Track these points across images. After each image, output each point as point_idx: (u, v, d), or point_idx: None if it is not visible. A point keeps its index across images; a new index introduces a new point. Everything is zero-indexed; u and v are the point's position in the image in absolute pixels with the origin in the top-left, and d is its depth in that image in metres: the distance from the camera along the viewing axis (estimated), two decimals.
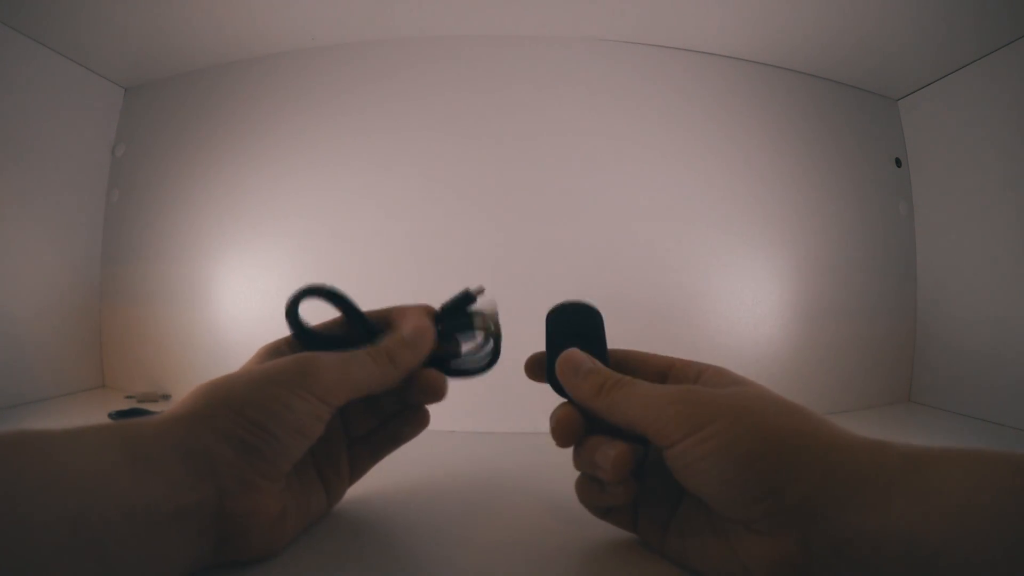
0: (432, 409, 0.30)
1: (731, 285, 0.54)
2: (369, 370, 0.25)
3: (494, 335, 0.28)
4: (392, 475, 0.31)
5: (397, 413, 0.30)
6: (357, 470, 0.29)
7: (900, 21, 0.50)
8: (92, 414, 0.50)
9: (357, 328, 0.28)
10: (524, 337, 0.30)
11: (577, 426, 0.25)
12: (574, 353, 0.25)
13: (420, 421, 0.30)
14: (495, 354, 0.28)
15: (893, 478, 0.18)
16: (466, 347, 0.29)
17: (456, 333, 0.28)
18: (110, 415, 0.47)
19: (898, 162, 0.62)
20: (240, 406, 0.21)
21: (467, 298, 0.28)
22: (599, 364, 0.25)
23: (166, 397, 0.56)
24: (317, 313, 0.28)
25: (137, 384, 0.59)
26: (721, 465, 0.20)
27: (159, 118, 0.62)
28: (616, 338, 0.29)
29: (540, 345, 0.28)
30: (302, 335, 0.27)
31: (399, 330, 0.26)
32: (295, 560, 0.23)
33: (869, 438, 0.20)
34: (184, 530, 0.20)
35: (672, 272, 0.53)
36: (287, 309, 0.27)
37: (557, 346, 0.26)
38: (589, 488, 0.25)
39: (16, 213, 0.52)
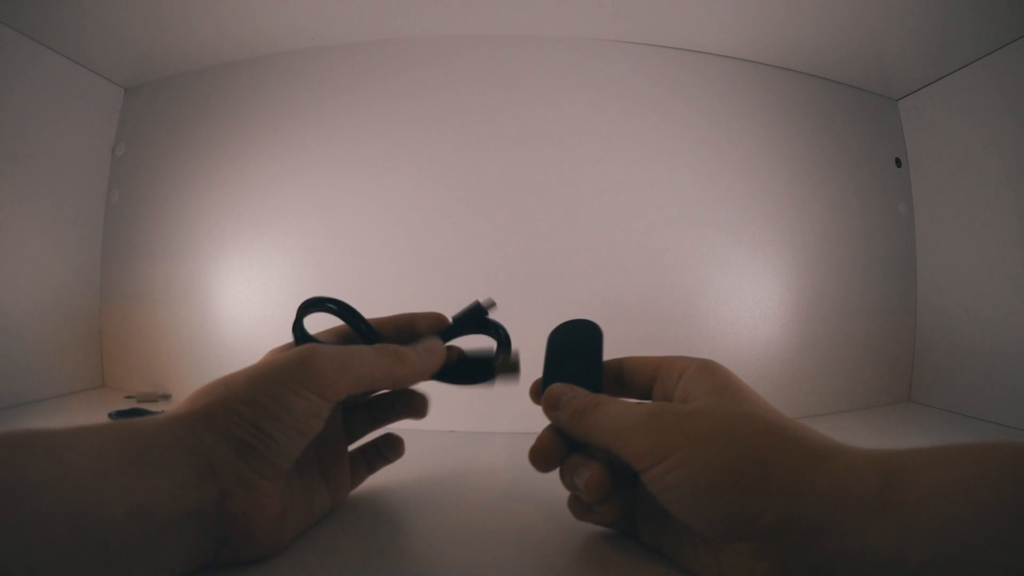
0: (433, 408, 0.30)
1: (731, 285, 0.54)
2: (372, 363, 0.24)
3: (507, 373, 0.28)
4: (392, 475, 0.32)
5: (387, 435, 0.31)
6: (358, 474, 0.30)
7: (900, 21, 0.50)
8: (92, 414, 0.50)
9: (365, 338, 0.28)
10: (524, 337, 0.30)
11: (555, 451, 0.25)
12: (555, 387, 0.25)
13: (400, 447, 0.31)
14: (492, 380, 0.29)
15: (870, 496, 0.17)
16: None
17: (473, 366, 0.28)
18: (110, 415, 0.47)
19: (898, 162, 0.62)
20: (237, 406, 0.21)
21: (478, 310, 0.28)
22: (578, 390, 0.25)
23: (166, 397, 0.56)
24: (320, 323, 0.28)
25: (137, 384, 0.59)
26: (692, 493, 0.19)
27: (159, 118, 0.62)
28: (617, 339, 0.29)
29: (539, 343, 0.29)
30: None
31: (412, 344, 0.27)
32: (295, 560, 0.23)
33: (845, 449, 0.19)
34: (185, 529, 0.20)
35: (672, 272, 0.53)
36: (294, 324, 0.27)
37: (550, 366, 0.27)
38: (578, 506, 0.25)
39: (16, 213, 0.52)
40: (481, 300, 0.29)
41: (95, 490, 0.18)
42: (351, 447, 0.30)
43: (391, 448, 0.30)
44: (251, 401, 0.21)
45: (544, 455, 0.25)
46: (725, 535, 0.19)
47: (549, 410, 0.25)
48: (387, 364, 0.25)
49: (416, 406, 0.30)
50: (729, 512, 0.19)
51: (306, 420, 0.22)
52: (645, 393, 0.27)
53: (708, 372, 0.24)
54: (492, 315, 0.29)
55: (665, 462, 0.20)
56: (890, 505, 0.17)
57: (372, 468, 0.30)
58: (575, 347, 0.27)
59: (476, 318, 0.29)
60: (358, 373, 0.24)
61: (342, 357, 0.24)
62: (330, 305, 0.28)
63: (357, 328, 0.28)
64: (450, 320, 0.29)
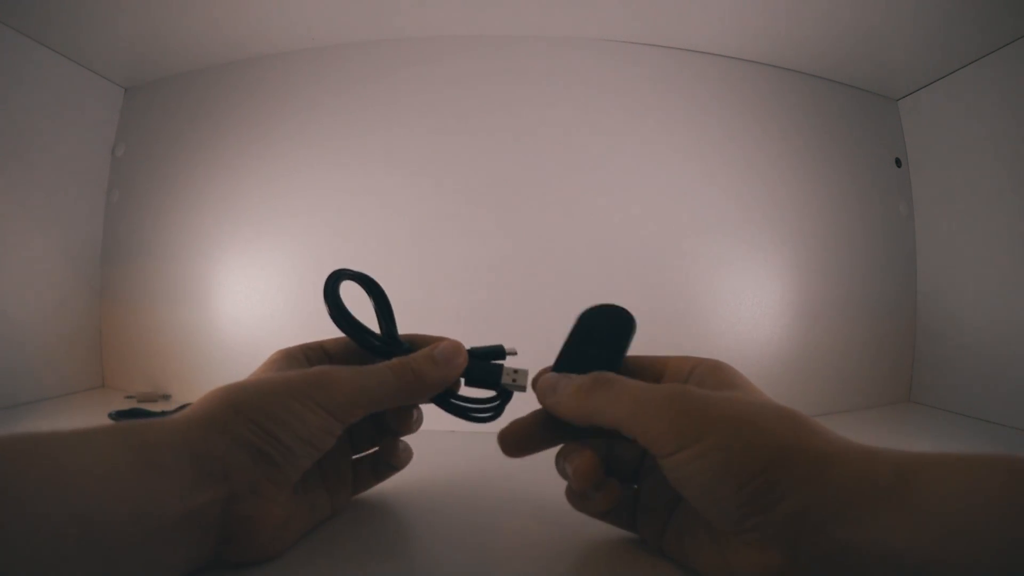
0: (434, 409, 0.30)
1: (731, 285, 0.54)
2: (389, 385, 0.24)
3: (508, 398, 0.28)
4: (393, 476, 0.31)
5: (390, 440, 0.30)
6: (360, 484, 0.30)
7: (900, 21, 0.50)
8: (92, 414, 0.50)
9: (385, 331, 0.28)
10: (524, 337, 0.30)
11: (526, 436, 0.24)
12: (548, 377, 0.25)
13: (405, 455, 0.30)
14: (498, 413, 0.28)
15: (882, 491, 0.17)
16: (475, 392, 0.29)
17: (480, 384, 0.28)
18: (110, 415, 0.47)
19: (898, 162, 0.62)
20: (255, 414, 0.22)
21: (499, 352, 0.28)
22: (574, 376, 0.24)
23: (166, 397, 0.56)
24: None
25: (137, 384, 0.59)
26: (716, 480, 0.19)
27: (159, 118, 0.62)
28: None
29: (540, 345, 0.28)
30: (338, 313, 0.27)
31: (430, 348, 0.26)
32: (295, 561, 0.23)
33: (861, 446, 0.19)
34: (190, 531, 0.20)
35: (672, 272, 0.53)
36: (328, 286, 0.27)
37: (568, 348, 0.26)
38: (573, 493, 0.25)
39: (16, 213, 0.52)
40: (507, 346, 0.28)
41: (101, 494, 0.18)
42: (358, 454, 0.30)
43: (393, 454, 0.30)
44: (268, 411, 0.22)
45: (513, 439, 0.24)
46: (739, 522, 0.19)
47: (546, 395, 0.24)
48: (406, 388, 0.25)
49: (410, 424, 0.29)
50: (752, 498, 0.19)
51: (320, 435, 0.23)
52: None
53: (719, 370, 0.24)
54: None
55: (691, 448, 0.19)
56: (902, 499, 0.17)
57: (379, 476, 0.30)
58: (601, 335, 0.26)
59: (494, 358, 0.28)
60: (373, 396, 0.24)
61: (359, 380, 0.24)
62: (370, 292, 0.28)
63: (383, 328, 0.28)
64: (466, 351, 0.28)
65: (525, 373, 0.27)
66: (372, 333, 0.27)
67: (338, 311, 0.27)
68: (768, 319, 0.55)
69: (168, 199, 0.60)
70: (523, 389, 0.27)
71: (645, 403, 0.21)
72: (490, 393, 0.28)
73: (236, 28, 0.54)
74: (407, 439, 0.30)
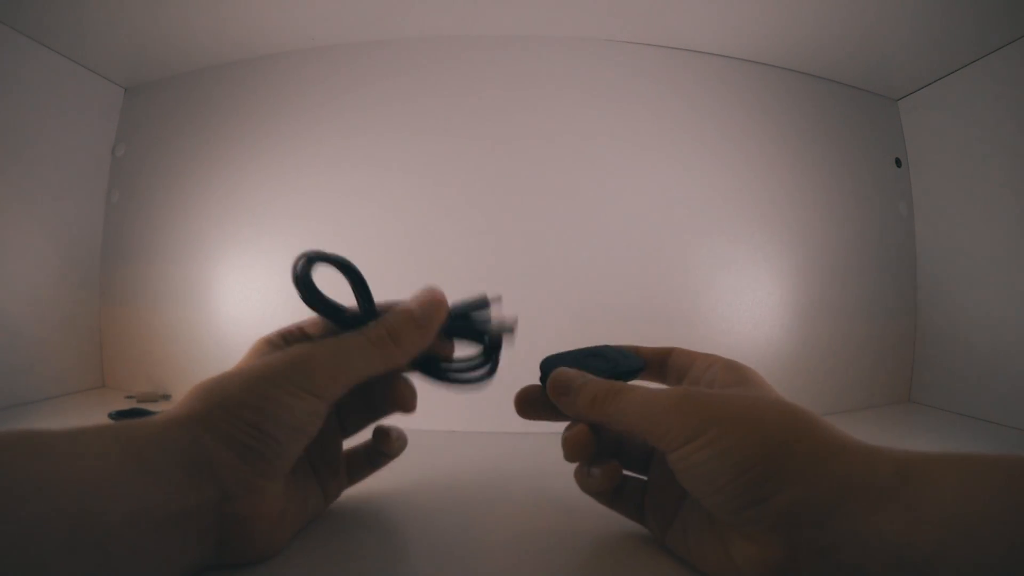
0: (433, 408, 0.30)
1: (731, 286, 0.54)
2: (367, 355, 0.24)
3: (499, 348, 0.27)
4: (391, 474, 0.31)
5: (383, 428, 0.29)
6: (355, 473, 0.29)
7: (900, 21, 0.50)
8: (92, 414, 0.50)
9: (363, 306, 0.26)
10: (523, 338, 0.30)
11: (587, 442, 0.24)
12: (562, 371, 0.25)
13: (398, 442, 0.29)
14: (493, 369, 0.27)
15: (884, 486, 0.18)
16: (463, 354, 0.27)
17: (465, 336, 0.27)
18: (110, 415, 0.47)
19: (898, 162, 0.62)
20: (236, 408, 0.21)
21: (483, 303, 0.27)
22: (590, 376, 0.24)
23: (166, 397, 0.56)
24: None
25: (137, 384, 0.59)
26: (717, 471, 0.20)
27: (159, 118, 0.62)
28: (616, 341, 0.29)
29: (537, 343, 0.28)
30: (311, 297, 0.25)
31: (406, 305, 0.25)
32: (294, 559, 0.23)
33: (863, 444, 0.20)
34: (185, 532, 0.20)
35: (672, 273, 0.53)
36: (300, 271, 0.25)
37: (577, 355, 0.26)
38: (580, 473, 0.26)
39: (16, 213, 0.52)
40: (489, 295, 0.27)
41: (92, 492, 0.18)
42: (353, 444, 0.30)
43: (386, 440, 0.29)
44: (249, 404, 0.21)
45: (576, 446, 0.24)
46: (737, 511, 0.20)
47: (559, 393, 0.24)
48: (384, 354, 0.24)
49: (404, 400, 0.27)
50: (749, 490, 0.19)
51: (305, 419, 0.22)
52: (676, 380, 0.27)
53: (733, 369, 0.25)
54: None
55: (696, 441, 0.20)
56: (902, 495, 0.17)
57: (375, 464, 0.30)
58: (604, 351, 0.27)
59: (479, 311, 0.27)
60: (354, 369, 0.24)
61: (337, 355, 0.23)
62: (344, 270, 0.26)
63: (360, 303, 0.26)
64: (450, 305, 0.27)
65: (514, 318, 0.26)
66: (347, 310, 0.26)
67: (310, 293, 0.25)
68: (768, 319, 0.55)
69: (168, 199, 0.60)
70: (511, 331, 0.26)
71: (654, 407, 0.22)
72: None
73: (236, 28, 0.54)
74: (402, 428, 0.29)
